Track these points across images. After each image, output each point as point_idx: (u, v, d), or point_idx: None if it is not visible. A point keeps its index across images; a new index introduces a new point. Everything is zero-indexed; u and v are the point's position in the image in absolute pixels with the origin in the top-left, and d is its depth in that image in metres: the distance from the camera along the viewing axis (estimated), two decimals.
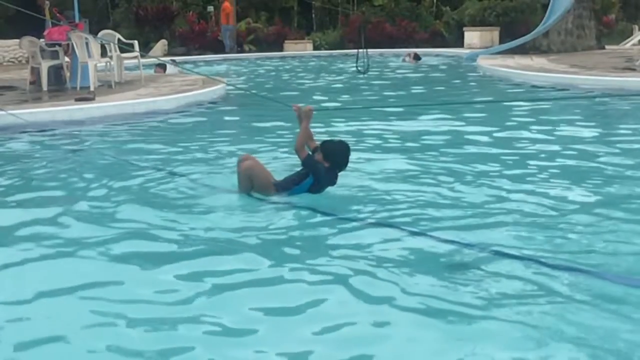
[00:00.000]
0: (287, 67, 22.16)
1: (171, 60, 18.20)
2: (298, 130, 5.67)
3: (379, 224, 4.92)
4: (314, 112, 5.70)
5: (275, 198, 5.53)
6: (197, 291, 3.79)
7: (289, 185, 5.61)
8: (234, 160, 7.14)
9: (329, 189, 5.69)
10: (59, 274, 4.18)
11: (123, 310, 3.54)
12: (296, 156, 5.62)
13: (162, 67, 16.97)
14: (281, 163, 6.85)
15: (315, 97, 13.21)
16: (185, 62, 20.38)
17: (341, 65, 21.45)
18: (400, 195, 5.71)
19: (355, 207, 5.36)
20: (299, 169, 5.72)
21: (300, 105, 5.82)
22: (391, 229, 4.81)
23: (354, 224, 4.95)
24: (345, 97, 13.75)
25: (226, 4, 25.90)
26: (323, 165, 5.54)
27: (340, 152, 5.60)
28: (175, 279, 3.97)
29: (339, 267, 4.09)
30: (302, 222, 5.06)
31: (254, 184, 5.62)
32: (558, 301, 3.55)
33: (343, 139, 6.07)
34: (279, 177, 5.77)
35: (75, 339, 3.30)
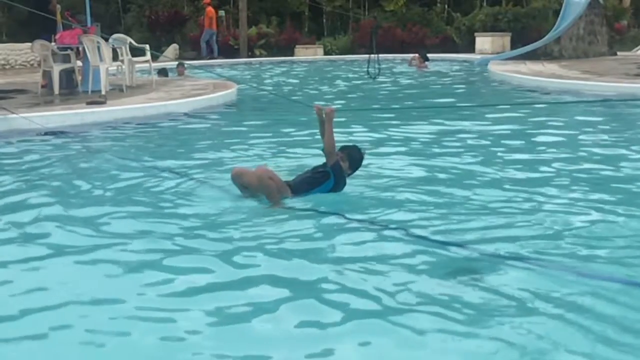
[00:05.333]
0: (298, 72, 22.17)
1: (179, 63, 18.18)
2: (315, 130, 5.69)
3: (386, 227, 4.92)
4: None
5: (289, 201, 5.54)
6: (201, 293, 3.80)
7: (307, 188, 5.65)
8: (244, 163, 7.17)
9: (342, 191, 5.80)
10: (62, 271, 4.23)
11: (124, 315, 3.56)
12: (305, 158, 5.63)
13: (163, 72, 16.96)
14: (290, 165, 6.85)
15: (326, 102, 13.20)
16: (200, 67, 20.37)
17: (352, 70, 21.42)
18: (409, 198, 5.71)
19: (363, 209, 5.36)
20: (307, 168, 5.78)
21: (321, 105, 5.85)
22: (398, 232, 4.80)
23: (361, 225, 4.97)
24: (356, 101, 13.74)
25: (210, 9, 25.93)
26: (347, 172, 5.75)
27: (361, 161, 5.89)
28: (182, 283, 3.97)
29: (342, 270, 4.10)
30: (315, 225, 5.04)
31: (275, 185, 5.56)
32: (561, 306, 3.53)
33: (356, 141, 6.11)
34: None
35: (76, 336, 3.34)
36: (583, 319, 3.37)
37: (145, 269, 4.22)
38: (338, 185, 5.70)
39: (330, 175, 5.63)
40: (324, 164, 5.73)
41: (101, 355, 3.19)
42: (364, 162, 6.05)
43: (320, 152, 5.92)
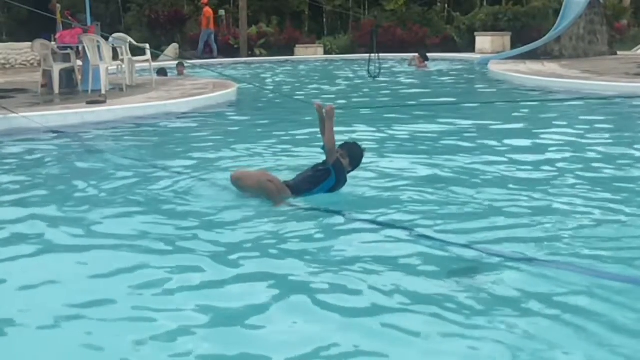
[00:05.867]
0: (298, 71, 22.16)
1: (179, 63, 18.14)
2: (316, 129, 5.68)
3: (387, 224, 4.92)
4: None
5: (290, 201, 5.54)
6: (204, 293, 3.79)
7: (308, 187, 5.65)
8: (244, 163, 7.18)
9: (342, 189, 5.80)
10: (58, 271, 4.22)
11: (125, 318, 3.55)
12: (306, 157, 5.62)
13: (162, 72, 16.94)
14: (291, 164, 6.85)
15: (327, 101, 13.18)
16: (201, 66, 20.35)
17: (353, 70, 21.42)
18: (410, 198, 5.70)
19: (364, 209, 5.35)
20: (307, 167, 5.78)
21: (320, 102, 5.86)
22: (398, 230, 4.81)
23: (362, 225, 4.97)
24: (356, 100, 13.73)
25: (207, 9, 25.90)
26: (347, 169, 5.75)
27: (361, 157, 5.90)
28: (179, 283, 3.95)
29: (341, 269, 4.10)
30: (315, 225, 5.03)
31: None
32: (562, 307, 3.52)
33: (358, 140, 6.13)
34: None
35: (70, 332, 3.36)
36: (587, 320, 3.36)
37: (141, 268, 4.19)
38: (339, 182, 5.71)
39: (332, 173, 5.63)
40: (324, 162, 5.73)
41: (93, 355, 3.17)
42: (366, 160, 6.05)
43: (321, 150, 5.92)
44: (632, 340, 3.18)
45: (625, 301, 3.56)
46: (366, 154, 6.03)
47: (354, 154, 5.82)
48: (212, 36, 26.26)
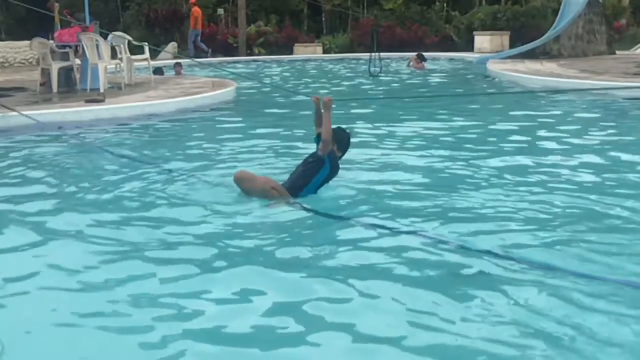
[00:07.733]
0: (297, 70, 22.13)
1: (176, 62, 18.07)
2: (313, 127, 5.69)
3: (388, 225, 4.91)
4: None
5: (289, 200, 5.54)
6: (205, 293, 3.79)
7: (304, 182, 5.64)
8: (244, 161, 7.17)
9: (338, 189, 5.80)
10: (51, 266, 4.23)
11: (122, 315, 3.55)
12: (305, 154, 5.62)
13: (159, 71, 16.88)
14: (291, 162, 6.83)
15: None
16: (200, 65, 20.34)
17: (352, 69, 21.41)
18: (409, 196, 5.71)
19: (364, 209, 5.36)
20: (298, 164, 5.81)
21: (319, 96, 5.88)
22: (399, 230, 4.80)
23: (362, 224, 4.96)
24: (357, 100, 13.73)
25: (196, 9, 25.81)
26: (337, 154, 5.76)
27: (349, 140, 5.91)
28: (175, 282, 3.95)
29: (338, 269, 4.10)
30: (312, 224, 5.04)
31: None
32: (562, 308, 3.52)
33: (359, 139, 6.12)
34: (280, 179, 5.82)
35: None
36: (582, 322, 3.37)
37: (137, 268, 4.18)
38: (333, 170, 5.72)
39: (326, 162, 5.62)
40: (313, 154, 5.74)
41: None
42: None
43: (313, 142, 5.92)
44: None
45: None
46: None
47: (341, 138, 5.80)
48: (198, 37, 26.05)
